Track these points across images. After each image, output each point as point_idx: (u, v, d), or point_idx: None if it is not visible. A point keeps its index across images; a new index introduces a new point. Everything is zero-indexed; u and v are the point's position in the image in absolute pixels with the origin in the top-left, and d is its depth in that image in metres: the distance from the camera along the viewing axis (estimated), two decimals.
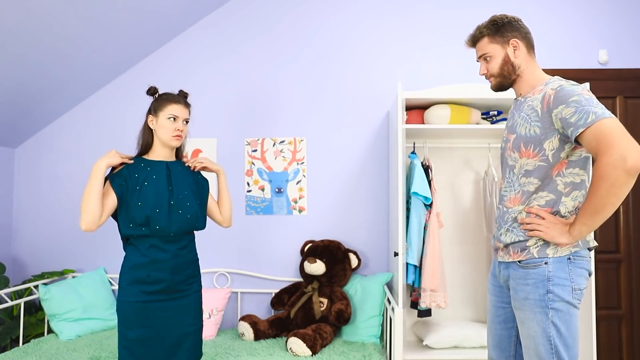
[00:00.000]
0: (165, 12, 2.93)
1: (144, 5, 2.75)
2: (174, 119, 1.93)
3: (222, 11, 3.26)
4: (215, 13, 3.26)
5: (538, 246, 1.58)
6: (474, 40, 1.76)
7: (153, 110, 1.95)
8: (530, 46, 1.69)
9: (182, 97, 1.99)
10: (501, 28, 1.68)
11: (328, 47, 3.21)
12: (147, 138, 1.96)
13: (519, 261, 1.62)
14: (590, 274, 1.61)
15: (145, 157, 1.97)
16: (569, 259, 1.56)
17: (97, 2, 2.51)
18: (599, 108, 1.43)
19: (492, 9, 3.16)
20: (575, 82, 1.56)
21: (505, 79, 1.71)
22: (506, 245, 1.67)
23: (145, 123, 1.97)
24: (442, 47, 3.17)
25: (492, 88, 1.76)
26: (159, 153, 1.98)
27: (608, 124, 1.40)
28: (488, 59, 1.72)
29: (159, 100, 1.96)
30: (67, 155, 3.27)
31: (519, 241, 1.62)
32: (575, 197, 1.57)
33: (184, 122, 1.96)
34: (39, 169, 3.28)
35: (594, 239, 1.61)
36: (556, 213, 1.57)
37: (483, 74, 1.76)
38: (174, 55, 3.26)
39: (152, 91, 1.99)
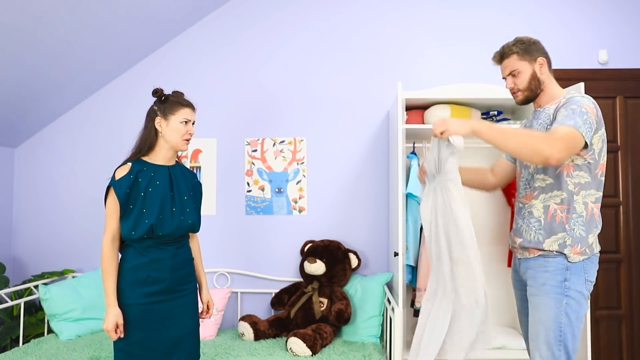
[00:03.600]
0: (164, 13, 2.93)
1: (143, 6, 2.75)
2: (186, 122, 1.92)
3: (222, 11, 3.25)
4: (215, 13, 3.26)
5: (555, 252, 1.74)
6: (501, 57, 1.90)
7: (162, 112, 1.91)
8: (550, 64, 1.87)
9: (190, 102, 1.97)
10: (529, 47, 1.86)
11: (328, 47, 3.21)
12: (151, 140, 1.93)
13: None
14: (597, 268, 1.78)
15: (147, 159, 1.93)
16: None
17: (95, 4, 2.51)
18: (582, 121, 1.64)
19: (492, 9, 3.16)
20: (587, 96, 1.73)
21: (532, 93, 1.87)
22: (522, 243, 1.83)
23: (152, 125, 1.92)
24: (442, 47, 3.17)
25: (517, 102, 1.92)
26: (162, 156, 1.95)
27: (569, 130, 1.62)
28: (516, 74, 1.87)
29: (169, 103, 1.92)
30: (66, 156, 3.27)
31: (536, 242, 1.78)
32: (584, 195, 1.73)
33: (193, 124, 1.96)
34: (39, 169, 3.28)
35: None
36: (573, 210, 1.73)
37: (510, 88, 1.90)
38: (174, 56, 3.26)
39: (159, 93, 1.94)
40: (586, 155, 1.72)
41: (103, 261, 1.83)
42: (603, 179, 1.77)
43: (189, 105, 1.95)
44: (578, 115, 1.65)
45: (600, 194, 1.77)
